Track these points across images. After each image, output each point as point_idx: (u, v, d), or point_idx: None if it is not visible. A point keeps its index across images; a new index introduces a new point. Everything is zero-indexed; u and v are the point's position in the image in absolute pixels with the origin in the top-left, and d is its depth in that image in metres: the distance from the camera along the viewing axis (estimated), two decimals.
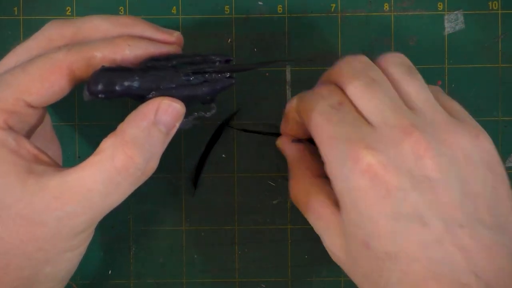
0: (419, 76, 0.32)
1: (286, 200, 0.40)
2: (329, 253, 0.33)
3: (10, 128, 0.29)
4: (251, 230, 0.40)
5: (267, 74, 0.40)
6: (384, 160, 0.29)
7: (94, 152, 0.29)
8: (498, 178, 0.30)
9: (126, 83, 0.30)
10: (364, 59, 0.33)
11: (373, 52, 0.40)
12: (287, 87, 0.40)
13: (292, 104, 0.35)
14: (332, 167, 0.30)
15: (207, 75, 0.31)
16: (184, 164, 0.40)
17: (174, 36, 0.33)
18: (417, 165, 0.29)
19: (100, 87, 0.30)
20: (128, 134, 0.29)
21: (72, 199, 0.28)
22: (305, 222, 0.39)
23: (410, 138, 0.29)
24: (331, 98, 0.32)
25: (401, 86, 0.32)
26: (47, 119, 0.36)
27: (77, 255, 0.31)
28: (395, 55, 0.33)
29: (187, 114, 0.31)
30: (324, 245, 0.33)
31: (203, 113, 0.33)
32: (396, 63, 0.32)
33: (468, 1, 0.40)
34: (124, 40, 0.31)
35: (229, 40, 0.40)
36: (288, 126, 0.36)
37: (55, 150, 0.36)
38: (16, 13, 0.40)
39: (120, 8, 0.40)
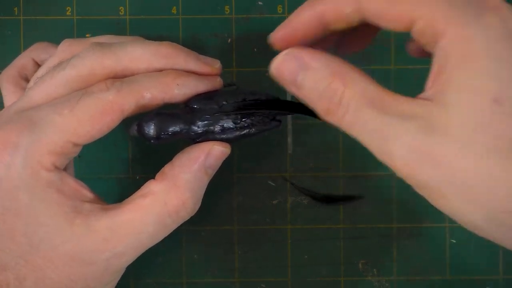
0: None
1: (286, 200, 0.40)
2: (406, 159, 0.25)
3: (57, 169, 0.29)
4: (251, 230, 0.40)
5: (267, 73, 0.40)
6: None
7: (141, 193, 0.30)
8: None
9: (174, 130, 0.31)
10: None
11: (372, 52, 0.40)
12: None
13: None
14: (455, 19, 0.25)
15: (253, 118, 0.32)
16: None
17: (216, 68, 0.32)
18: None
19: (152, 133, 0.30)
20: (181, 179, 0.30)
21: (122, 241, 0.29)
22: (305, 222, 0.39)
23: None
24: None
25: None
26: None
27: (116, 281, 0.32)
28: None
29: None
30: (400, 149, 0.25)
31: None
32: None
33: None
34: (173, 79, 0.31)
35: (229, 40, 0.40)
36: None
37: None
38: (16, 13, 0.40)
39: (120, 8, 0.40)
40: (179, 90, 0.31)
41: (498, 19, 0.25)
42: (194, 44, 0.40)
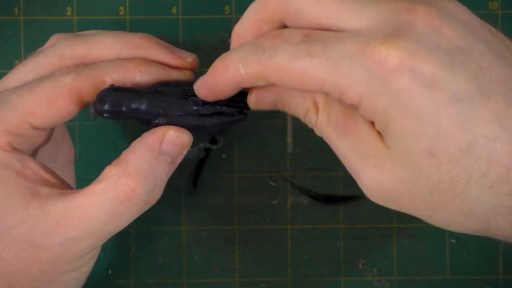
0: None
1: (286, 200, 0.40)
2: (369, 189, 0.28)
3: (15, 149, 0.29)
4: (251, 230, 0.40)
5: None
6: (409, 46, 0.25)
7: (98, 179, 0.29)
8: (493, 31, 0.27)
9: (133, 105, 0.29)
10: None
11: None
12: None
13: (238, 78, 0.28)
14: (358, 89, 0.25)
15: (217, 107, 0.30)
16: (184, 164, 0.40)
17: (188, 62, 0.32)
18: (442, 39, 0.25)
19: (106, 106, 0.29)
20: (132, 164, 0.29)
21: (74, 225, 0.28)
22: (305, 222, 0.39)
23: (418, 13, 0.25)
24: (292, 38, 0.27)
25: None
26: None
27: (82, 273, 0.31)
28: None
29: (193, 144, 0.31)
30: (362, 181, 0.28)
31: (209, 144, 0.32)
32: None
33: (468, 1, 0.40)
34: (135, 65, 0.31)
35: (229, 40, 0.40)
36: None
37: (66, 151, 0.36)
38: (16, 13, 0.40)
39: (120, 8, 0.40)
40: (141, 77, 0.30)
41: (405, 79, 0.24)
42: (194, 44, 0.40)
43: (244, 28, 0.29)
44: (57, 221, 0.28)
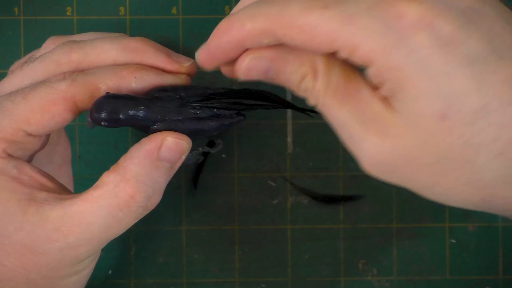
0: None
1: (286, 200, 0.40)
2: (369, 160, 0.27)
3: (10, 156, 0.29)
4: (251, 230, 0.40)
5: None
6: (428, 2, 0.24)
7: (96, 184, 0.29)
8: None
9: (130, 112, 0.29)
10: None
11: None
12: None
13: (243, 35, 0.27)
14: (373, 44, 0.24)
15: (215, 110, 0.30)
16: (183, 165, 0.40)
17: (185, 67, 0.32)
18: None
19: (103, 114, 0.29)
20: (130, 171, 0.28)
21: (73, 231, 0.28)
22: (305, 222, 0.39)
23: None
24: None
25: None
26: None
27: (83, 277, 0.31)
28: None
29: (192, 149, 0.30)
30: (363, 150, 0.26)
31: (208, 148, 0.32)
32: None
33: None
34: (131, 72, 0.30)
35: None
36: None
37: (62, 151, 0.36)
38: (16, 13, 0.40)
39: (120, 8, 0.40)
40: (136, 83, 0.30)
41: (422, 36, 0.24)
42: (194, 44, 0.40)
43: None
44: (56, 227, 0.28)
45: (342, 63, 0.26)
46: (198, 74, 0.33)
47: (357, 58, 0.25)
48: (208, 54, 0.28)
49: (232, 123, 0.31)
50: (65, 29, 0.40)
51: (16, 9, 0.40)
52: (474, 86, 0.24)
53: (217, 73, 0.30)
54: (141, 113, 0.29)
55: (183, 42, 0.40)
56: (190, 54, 0.40)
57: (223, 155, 0.40)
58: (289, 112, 0.40)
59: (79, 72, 0.30)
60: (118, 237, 0.40)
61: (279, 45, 0.27)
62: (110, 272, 0.40)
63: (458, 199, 0.26)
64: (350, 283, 0.40)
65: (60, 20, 0.40)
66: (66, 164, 0.36)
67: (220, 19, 0.40)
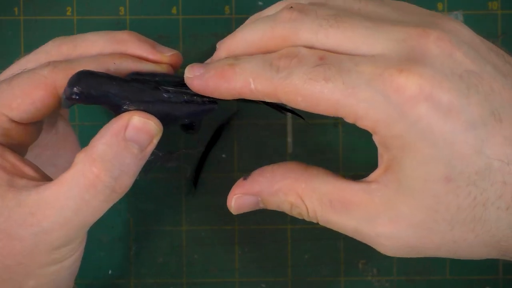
0: None
1: None
2: (390, 248, 0.28)
3: None
4: (251, 230, 0.40)
5: None
6: (427, 73, 0.25)
7: (70, 166, 0.29)
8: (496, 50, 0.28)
9: (103, 88, 0.29)
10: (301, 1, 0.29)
11: None
12: None
13: (246, 91, 0.28)
14: (375, 116, 0.25)
15: (188, 97, 0.30)
16: (184, 164, 0.40)
17: (167, 56, 0.32)
18: (454, 64, 0.26)
19: (76, 89, 0.29)
20: (96, 150, 0.28)
21: (47, 215, 0.28)
22: (305, 222, 0.39)
23: (430, 38, 0.26)
24: (307, 60, 0.27)
25: (374, 10, 0.28)
26: (65, 114, 0.36)
27: (63, 269, 0.30)
28: None
29: (173, 151, 0.30)
30: (382, 244, 0.28)
31: (190, 150, 0.32)
32: None
33: (468, 1, 0.40)
34: (111, 58, 0.31)
35: None
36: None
37: (69, 156, 0.36)
38: (16, 13, 0.40)
39: (120, 8, 0.40)
40: (115, 69, 0.31)
41: (422, 108, 0.25)
42: (194, 44, 0.40)
43: (245, 41, 0.29)
44: (31, 211, 0.28)
45: (324, 173, 0.28)
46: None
47: (362, 126, 0.26)
48: (202, 86, 0.29)
49: (204, 110, 0.30)
50: (65, 29, 0.40)
51: (16, 9, 0.40)
52: (475, 149, 0.25)
53: None
54: (112, 90, 0.29)
55: (183, 42, 0.40)
56: (190, 54, 0.40)
57: (223, 155, 0.40)
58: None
59: (63, 60, 0.31)
60: (118, 237, 0.40)
61: (263, 175, 0.29)
62: (110, 272, 0.40)
63: (478, 256, 0.28)
64: (350, 283, 0.40)
65: (60, 20, 0.40)
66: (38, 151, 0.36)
67: (220, 19, 0.40)
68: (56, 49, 0.32)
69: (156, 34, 0.40)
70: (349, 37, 0.27)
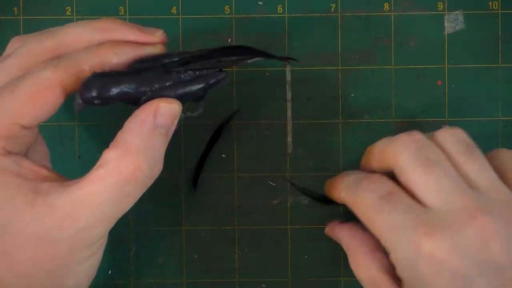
0: (479, 153, 0.32)
1: (286, 200, 0.40)
2: None
3: (9, 152, 0.29)
4: (251, 230, 0.40)
5: (267, 73, 0.40)
6: (447, 246, 0.28)
7: (98, 164, 0.29)
8: None
9: (120, 87, 0.30)
10: (418, 136, 0.32)
11: (372, 52, 0.40)
12: (287, 86, 0.40)
13: (340, 193, 0.35)
14: (394, 256, 0.31)
15: (198, 72, 0.31)
16: (184, 164, 0.40)
17: (158, 36, 0.32)
18: (483, 250, 0.28)
19: (94, 93, 0.29)
20: (131, 143, 0.29)
21: (84, 214, 0.28)
22: (305, 222, 0.39)
23: (474, 221, 0.29)
24: (380, 190, 0.32)
25: (461, 164, 0.31)
26: None
27: (95, 260, 0.31)
28: (452, 132, 0.32)
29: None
30: None
31: (189, 113, 0.32)
32: (453, 141, 0.32)
33: (468, 1, 0.40)
34: (110, 48, 0.31)
35: (229, 40, 0.40)
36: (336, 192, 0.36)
37: (41, 149, 0.35)
38: (16, 13, 0.40)
39: (120, 8, 0.40)
40: (118, 59, 0.31)
41: (431, 269, 0.29)
42: (194, 44, 0.40)
43: (367, 160, 0.35)
44: (66, 213, 0.28)
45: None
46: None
47: (390, 259, 0.31)
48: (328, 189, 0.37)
49: (216, 81, 0.31)
50: None
51: (15, 9, 0.40)
52: None
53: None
54: (128, 86, 0.30)
55: (183, 42, 0.40)
56: None
57: (223, 155, 0.40)
58: (289, 112, 0.40)
59: (59, 58, 0.31)
60: (118, 237, 0.40)
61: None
62: (110, 272, 0.40)
63: None
64: (350, 283, 0.40)
65: (60, 20, 0.40)
66: (47, 162, 0.36)
67: (220, 19, 0.40)
68: (40, 47, 0.31)
69: None
70: (424, 182, 0.31)
